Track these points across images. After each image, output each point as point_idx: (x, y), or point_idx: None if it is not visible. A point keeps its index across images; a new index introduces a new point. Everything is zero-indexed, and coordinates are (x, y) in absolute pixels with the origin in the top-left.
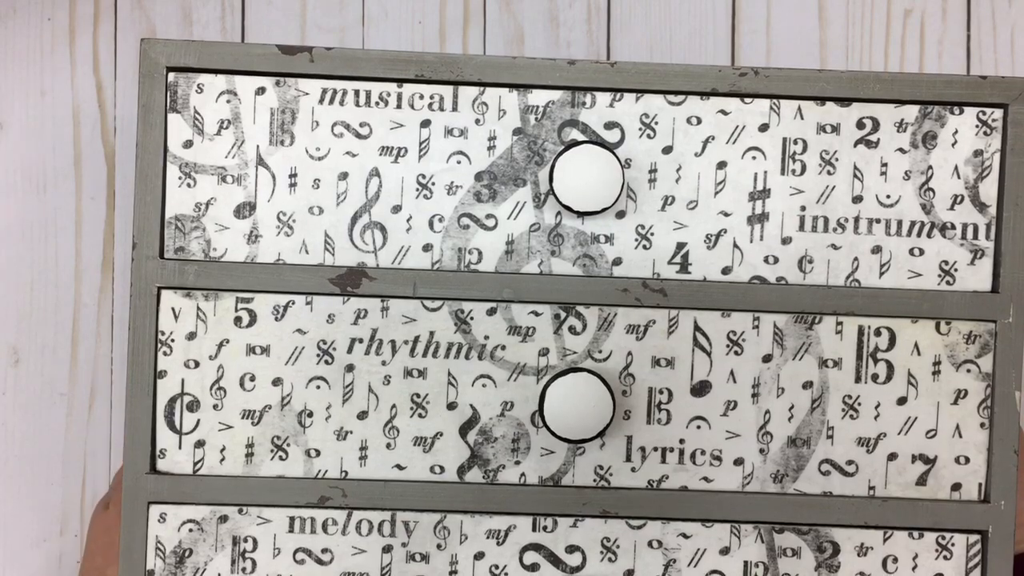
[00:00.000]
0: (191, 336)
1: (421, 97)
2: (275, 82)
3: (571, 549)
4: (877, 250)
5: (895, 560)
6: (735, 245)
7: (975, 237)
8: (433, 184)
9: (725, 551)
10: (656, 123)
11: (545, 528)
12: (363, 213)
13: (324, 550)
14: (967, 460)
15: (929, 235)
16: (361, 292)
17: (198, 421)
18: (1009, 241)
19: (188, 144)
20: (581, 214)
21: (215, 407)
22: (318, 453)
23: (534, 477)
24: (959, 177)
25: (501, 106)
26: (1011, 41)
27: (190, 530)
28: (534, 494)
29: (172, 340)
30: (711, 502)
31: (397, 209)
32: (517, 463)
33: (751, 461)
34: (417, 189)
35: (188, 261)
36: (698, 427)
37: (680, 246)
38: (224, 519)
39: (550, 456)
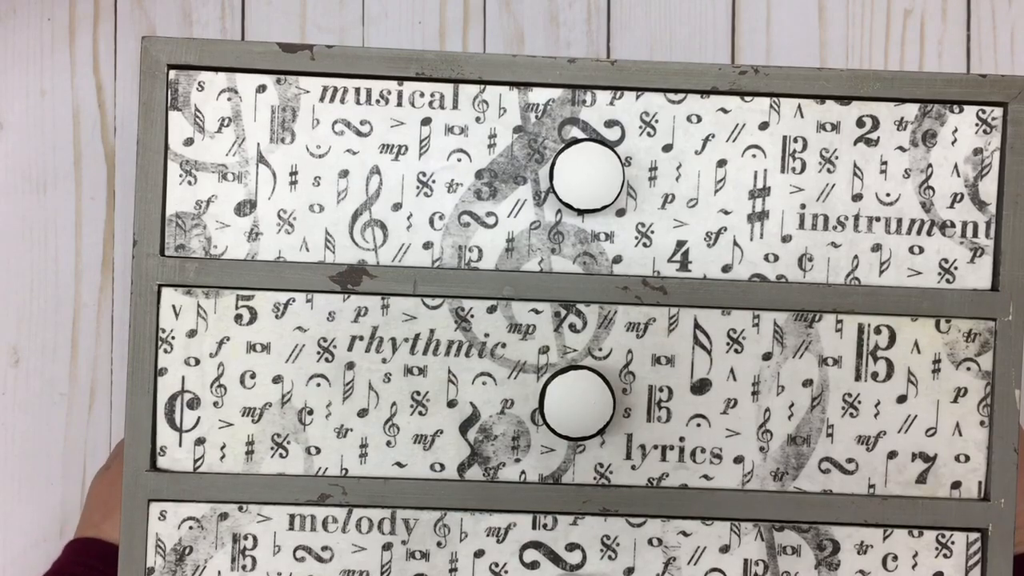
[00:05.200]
0: (191, 334)
1: (422, 95)
2: (276, 80)
3: (571, 547)
4: (877, 248)
5: (895, 558)
6: (735, 243)
7: (975, 235)
8: (433, 182)
9: (725, 549)
10: (656, 121)
11: (545, 526)
12: (364, 211)
13: (324, 548)
14: (967, 458)
15: (929, 233)
16: (361, 290)
17: (198, 419)
18: (1009, 239)
19: (189, 142)
20: (581, 212)
21: (215, 404)
22: (318, 451)
23: (534, 475)
24: (959, 175)
25: (501, 104)
26: (1011, 41)
27: (190, 528)
28: (534, 492)
29: (172, 337)
30: (711, 500)
31: (398, 207)
32: (517, 461)
33: (751, 459)
34: (417, 187)
35: (189, 259)
36: (698, 425)
37: (680, 244)
38: (224, 516)
39: (550, 454)
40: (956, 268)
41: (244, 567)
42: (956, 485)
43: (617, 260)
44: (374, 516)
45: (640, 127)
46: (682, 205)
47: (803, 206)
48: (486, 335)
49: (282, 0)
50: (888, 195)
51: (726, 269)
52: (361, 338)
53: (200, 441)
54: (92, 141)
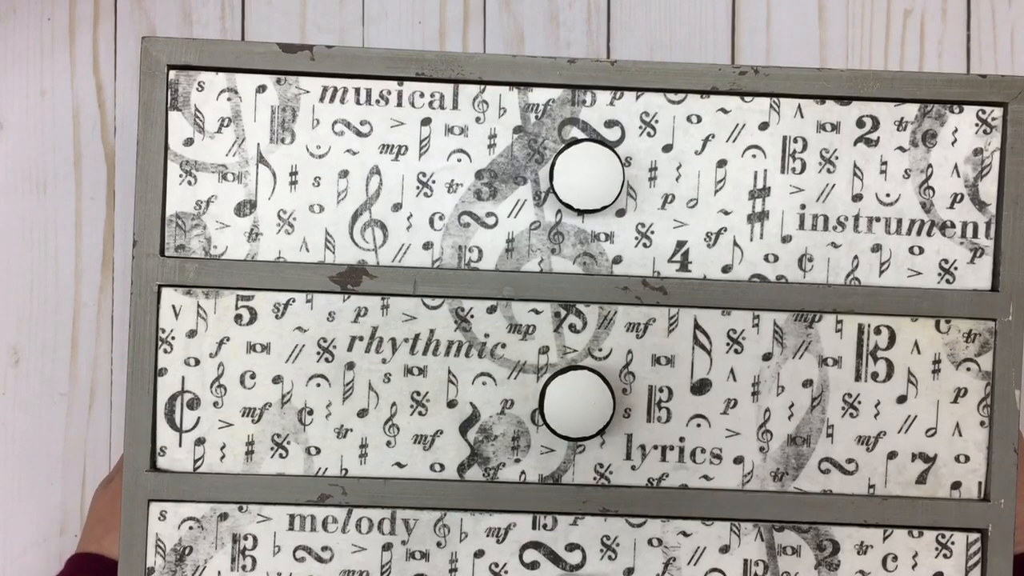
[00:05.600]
0: (191, 334)
1: (421, 95)
2: (276, 80)
3: (571, 547)
4: (877, 248)
5: (895, 558)
6: (735, 243)
7: (975, 235)
8: (433, 182)
9: (725, 549)
10: (656, 121)
11: (545, 526)
12: (363, 211)
13: (324, 548)
14: (967, 458)
15: (929, 233)
16: (361, 290)
17: (198, 419)
18: (1009, 239)
19: (189, 142)
20: (581, 212)
21: (215, 405)
22: (318, 451)
23: (534, 475)
24: (959, 176)
25: (501, 104)
26: (1011, 41)
27: (190, 528)
28: (534, 492)
29: (172, 338)
30: (711, 500)
31: (398, 207)
32: (517, 461)
33: (751, 459)
34: (417, 187)
35: (189, 259)
36: (698, 425)
37: (680, 244)
38: (224, 517)
39: (550, 454)
40: (956, 268)
41: (244, 567)
42: (956, 485)
43: (617, 260)
44: (374, 516)
45: (640, 127)
46: (682, 205)
47: (803, 206)
48: (486, 335)
49: (282, 0)
50: (888, 195)
51: (726, 269)
52: (361, 338)
53: (200, 441)
54: (92, 141)
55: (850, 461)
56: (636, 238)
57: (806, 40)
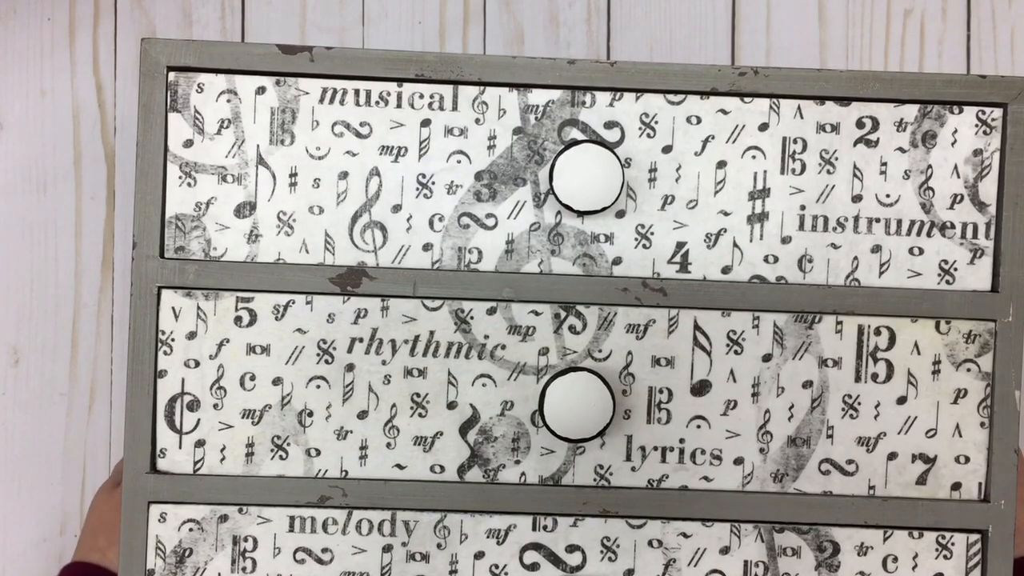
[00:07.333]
0: (191, 336)
1: (421, 96)
2: (275, 81)
3: (571, 548)
4: (877, 249)
5: (895, 559)
6: (735, 244)
7: (975, 236)
8: (433, 183)
9: (725, 550)
10: (656, 122)
11: (545, 527)
12: (363, 212)
13: (324, 549)
14: (967, 459)
15: (929, 234)
16: (361, 292)
17: (198, 421)
18: (1009, 240)
19: (188, 143)
20: (581, 213)
21: (215, 406)
22: (318, 452)
23: (534, 476)
24: (959, 176)
25: (501, 105)
26: (1011, 41)
27: (190, 529)
28: (534, 493)
29: (172, 340)
30: (711, 501)
31: (397, 208)
32: (517, 462)
33: (751, 460)
34: (417, 188)
35: (188, 260)
36: (698, 426)
37: (680, 245)
38: (224, 519)
39: (550, 455)
40: (956, 269)
41: (244, 569)
42: (956, 486)
43: (617, 262)
44: (374, 518)
45: (640, 128)
46: (682, 206)
47: (803, 207)
48: (486, 337)
49: (282, 0)
50: (888, 196)
51: (726, 270)
52: (361, 340)
53: (200, 443)
54: (92, 141)
55: (850, 462)
56: (636, 239)
57: (806, 40)
